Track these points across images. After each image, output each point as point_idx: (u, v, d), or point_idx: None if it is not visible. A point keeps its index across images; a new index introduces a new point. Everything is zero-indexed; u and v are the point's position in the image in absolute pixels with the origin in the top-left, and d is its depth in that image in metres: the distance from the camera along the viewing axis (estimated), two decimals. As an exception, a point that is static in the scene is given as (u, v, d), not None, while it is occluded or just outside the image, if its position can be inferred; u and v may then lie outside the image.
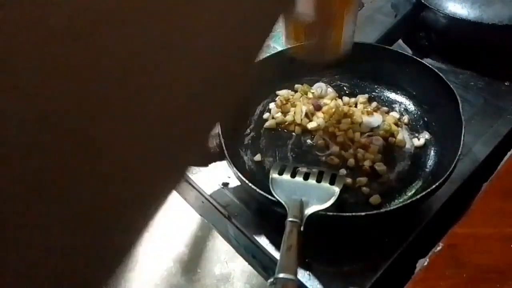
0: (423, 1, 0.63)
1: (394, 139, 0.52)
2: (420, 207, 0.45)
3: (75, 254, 0.13)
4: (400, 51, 0.58)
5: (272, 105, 0.57)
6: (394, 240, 0.43)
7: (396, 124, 0.53)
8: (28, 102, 0.10)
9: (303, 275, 0.41)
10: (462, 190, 0.47)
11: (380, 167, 0.48)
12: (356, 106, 0.56)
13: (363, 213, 0.39)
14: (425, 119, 0.54)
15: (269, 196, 0.41)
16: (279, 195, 0.41)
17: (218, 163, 0.48)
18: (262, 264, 0.48)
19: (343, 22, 0.44)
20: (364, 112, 0.54)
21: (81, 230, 0.12)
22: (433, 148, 0.51)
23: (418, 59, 0.55)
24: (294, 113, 0.55)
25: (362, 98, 0.56)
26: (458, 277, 0.39)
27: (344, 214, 0.40)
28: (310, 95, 0.57)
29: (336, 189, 0.41)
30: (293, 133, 0.54)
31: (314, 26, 0.38)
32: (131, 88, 0.12)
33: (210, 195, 0.50)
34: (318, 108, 0.55)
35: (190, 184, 0.52)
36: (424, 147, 0.51)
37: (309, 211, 0.39)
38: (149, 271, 1.22)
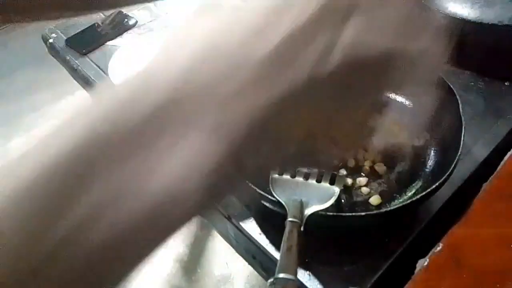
0: (423, 1, 0.63)
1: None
2: (420, 207, 0.44)
3: None
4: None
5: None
6: (394, 240, 0.43)
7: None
8: None
9: (303, 275, 0.41)
10: (462, 191, 0.47)
11: (380, 167, 0.48)
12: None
13: (363, 213, 0.39)
14: (425, 119, 0.54)
15: (269, 196, 0.41)
16: (279, 195, 0.41)
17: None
18: (262, 264, 0.48)
19: None
20: (364, 112, 0.54)
21: None
22: (433, 148, 0.51)
23: (418, 59, 0.54)
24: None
25: (362, 98, 0.56)
26: (458, 277, 0.39)
27: (344, 214, 0.40)
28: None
29: (336, 189, 0.41)
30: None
31: None
32: None
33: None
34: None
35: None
36: (424, 147, 0.51)
37: (309, 211, 0.39)
38: (149, 271, 1.22)
